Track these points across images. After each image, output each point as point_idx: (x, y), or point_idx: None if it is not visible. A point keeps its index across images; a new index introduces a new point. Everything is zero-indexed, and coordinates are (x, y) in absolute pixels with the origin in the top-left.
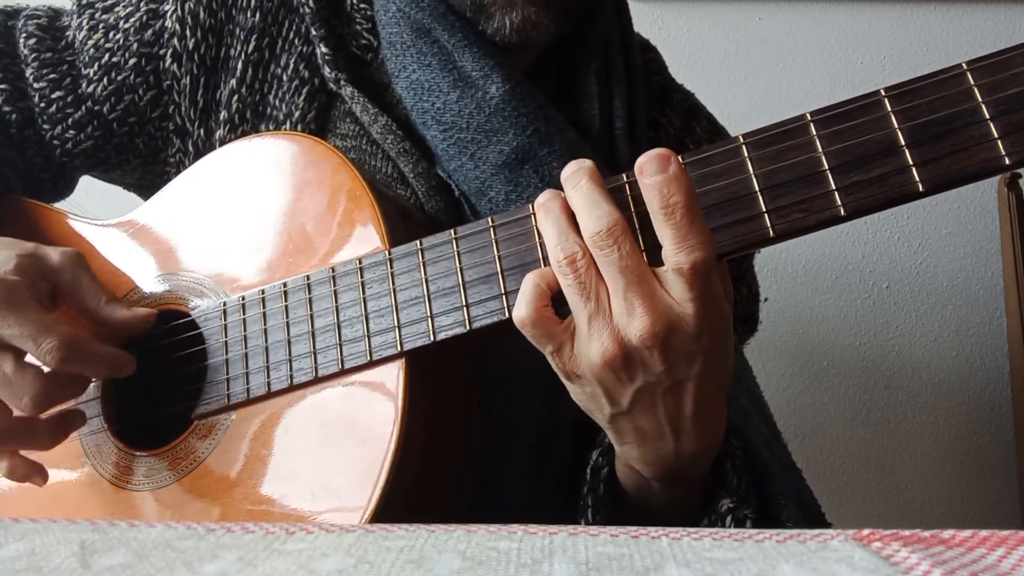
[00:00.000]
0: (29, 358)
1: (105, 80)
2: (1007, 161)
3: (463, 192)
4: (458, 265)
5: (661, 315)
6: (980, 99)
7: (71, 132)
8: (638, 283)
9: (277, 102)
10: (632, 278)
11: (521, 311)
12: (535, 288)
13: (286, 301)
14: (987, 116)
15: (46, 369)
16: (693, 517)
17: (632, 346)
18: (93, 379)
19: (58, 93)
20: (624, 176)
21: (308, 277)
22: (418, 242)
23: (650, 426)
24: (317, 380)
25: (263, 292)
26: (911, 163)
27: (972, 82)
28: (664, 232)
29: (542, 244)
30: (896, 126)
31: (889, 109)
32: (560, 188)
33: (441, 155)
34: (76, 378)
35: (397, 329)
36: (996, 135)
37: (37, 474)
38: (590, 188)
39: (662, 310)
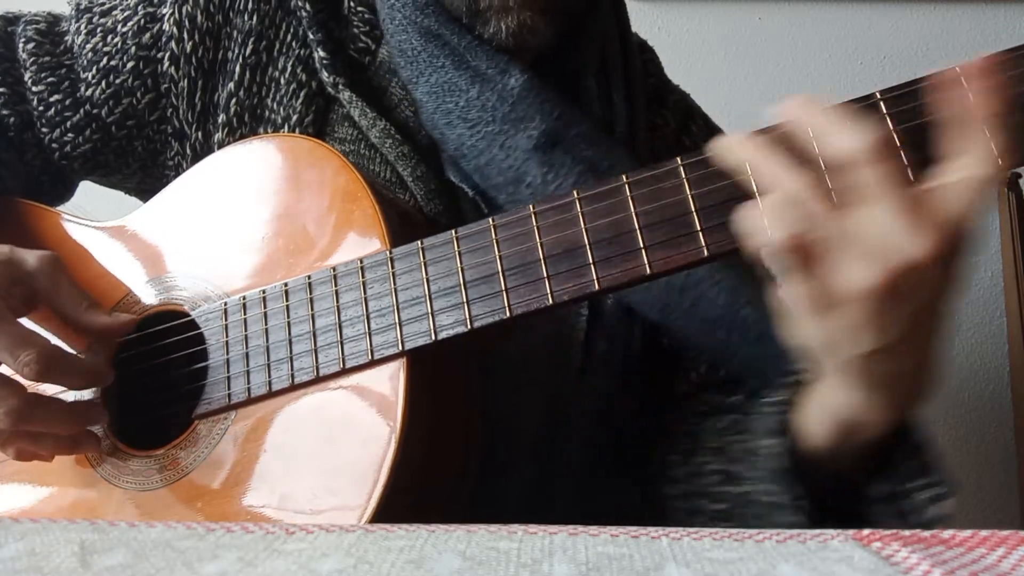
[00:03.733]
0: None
1: (103, 83)
2: (1000, 163)
3: (489, 187)
4: (459, 265)
5: (944, 230)
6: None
7: (69, 135)
8: (916, 197)
9: (275, 105)
10: (909, 192)
11: (779, 232)
12: (781, 208)
13: (287, 301)
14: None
15: (25, 383)
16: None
17: (909, 267)
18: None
19: (56, 96)
20: (624, 177)
21: (309, 277)
22: (419, 242)
23: (906, 363)
24: (318, 379)
25: (264, 292)
26: (907, 164)
27: (966, 86)
28: (970, 140)
29: (543, 244)
30: (891, 128)
31: (884, 112)
32: (594, 169)
33: (467, 153)
34: (61, 404)
35: (398, 328)
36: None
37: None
38: (838, 109)
39: (945, 224)
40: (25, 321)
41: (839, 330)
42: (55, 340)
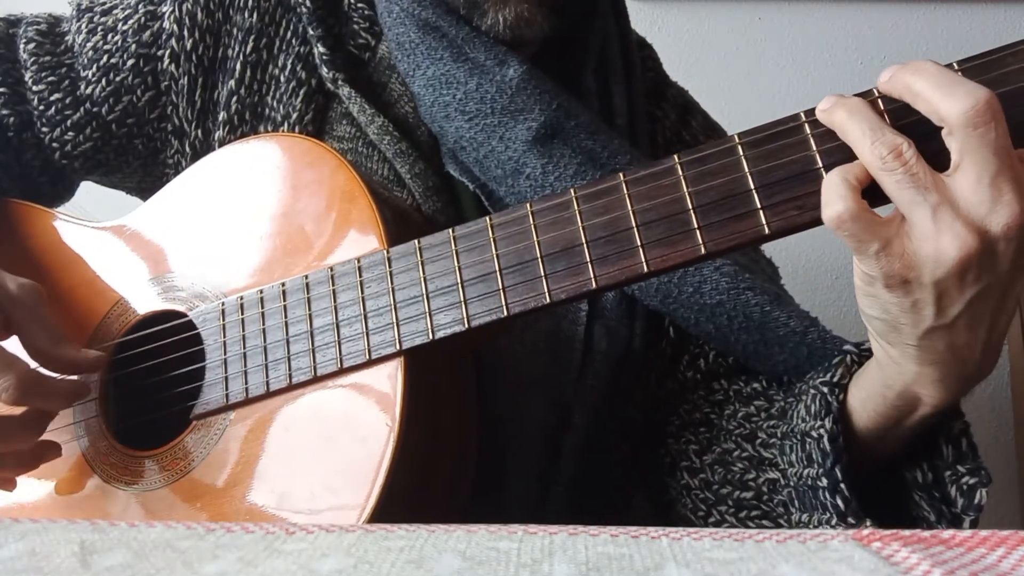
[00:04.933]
0: None
1: (103, 81)
2: None
3: (489, 179)
4: (456, 264)
5: None
6: None
7: (70, 134)
8: (1010, 166)
9: (275, 103)
10: (1005, 160)
11: (837, 206)
12: (844, 182)
13: (284, 301)
14: None
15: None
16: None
17: (992, 238)
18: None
19: (57, 95)
20: (621, 176)
21: (307, 277)
22: (416, 241)
23: (966, 341)
24: (316, 379)
25: (261, 292)
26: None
27: None
28: None
29: (540, 242)
30: (888, 124)
31: (883, 108)
32: (593, 160)
33: (467, 146)
34: (36, 417)
35: (396, 328)
36: None
37: (6, 482)
38: (940, 69)
39: None
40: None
41: (900, 307)
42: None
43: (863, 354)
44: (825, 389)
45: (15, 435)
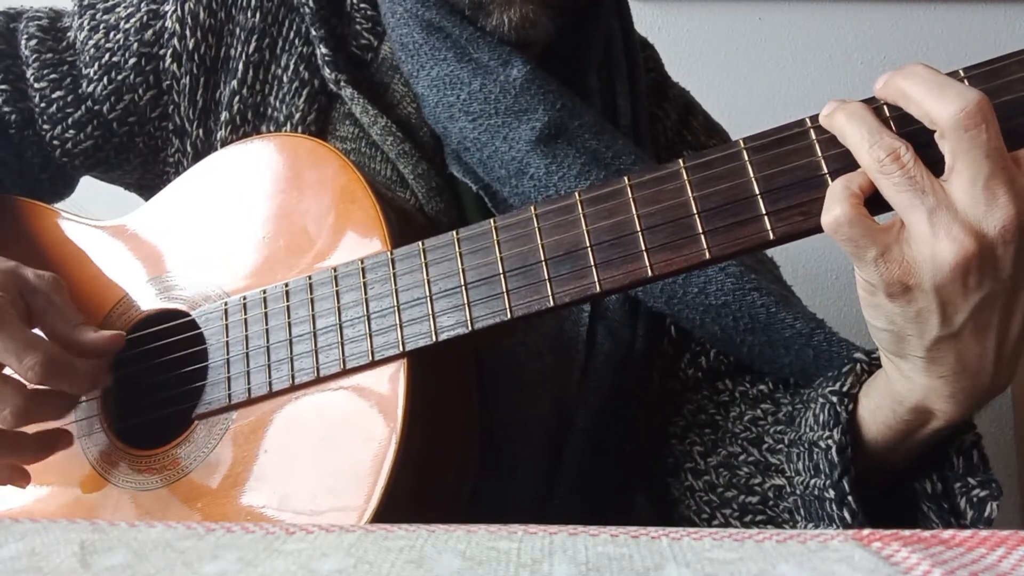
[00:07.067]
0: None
1: (105, 80)
2: None
3: (493, 180)
4: (460, 266)
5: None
6: None
7: (71, 132)
8: (1003, 168)
9: (278, 103)
10: (998, 162)
11: (835, 211)
12: (845, 189)
13: (288, 301)
14: None
15: (29, 385)
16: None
17: (989, 241)
18: (81, 398)
19: (58, 93)
20: (626, 179)
21: (310, 278)
22: (420, 243)
23: (976, 352)
24: (319, 380)
25: (265, 292)
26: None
27: None
28: None
29: (544, 245)
30: (893, 130)
31: (888, 115)
32: (597, 160)
33: (470, 146)
34: (59, 396)
35: (399, 329)
36: None
37: (20, 478)
38: (932, 72)
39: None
40: None
41: (904, 317)
42: None
43: (873, 362)
44: (834, 399)
45: (41, 413)
